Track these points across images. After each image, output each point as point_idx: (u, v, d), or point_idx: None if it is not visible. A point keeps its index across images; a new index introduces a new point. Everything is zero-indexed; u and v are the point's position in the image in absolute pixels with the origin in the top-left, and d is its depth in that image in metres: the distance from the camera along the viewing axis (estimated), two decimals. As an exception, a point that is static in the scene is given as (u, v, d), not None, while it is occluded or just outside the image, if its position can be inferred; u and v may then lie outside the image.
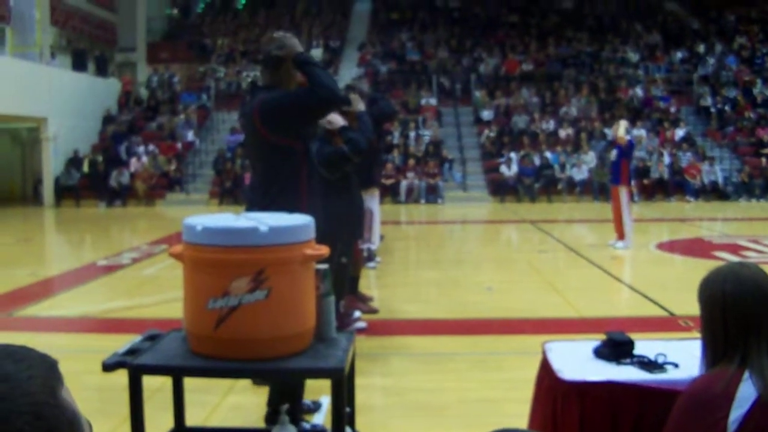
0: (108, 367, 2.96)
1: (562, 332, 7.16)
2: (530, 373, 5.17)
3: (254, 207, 4.29)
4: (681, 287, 9.73)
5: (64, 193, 24.98)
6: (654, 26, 32.66)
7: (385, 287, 9.82)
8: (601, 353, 3.37)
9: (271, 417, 4.36)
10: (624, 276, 10.91)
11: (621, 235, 12.96)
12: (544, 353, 3.46)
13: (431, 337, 7.42)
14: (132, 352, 3.03)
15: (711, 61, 29.82)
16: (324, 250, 3.00)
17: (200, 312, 2.88)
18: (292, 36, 4.59)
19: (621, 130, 13.01)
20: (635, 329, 6.47)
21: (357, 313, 7.50)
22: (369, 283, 9.81)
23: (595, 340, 3.53)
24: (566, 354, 3.40)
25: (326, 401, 5.12)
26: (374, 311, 8.02)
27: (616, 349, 3.34)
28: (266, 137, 4.38)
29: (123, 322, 8.18)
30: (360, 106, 6.63)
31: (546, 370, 3.36)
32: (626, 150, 12.92)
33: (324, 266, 3.18)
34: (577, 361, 3.31)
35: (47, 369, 1.06)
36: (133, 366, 2.92)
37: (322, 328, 3.12)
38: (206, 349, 2.93)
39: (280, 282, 2.86)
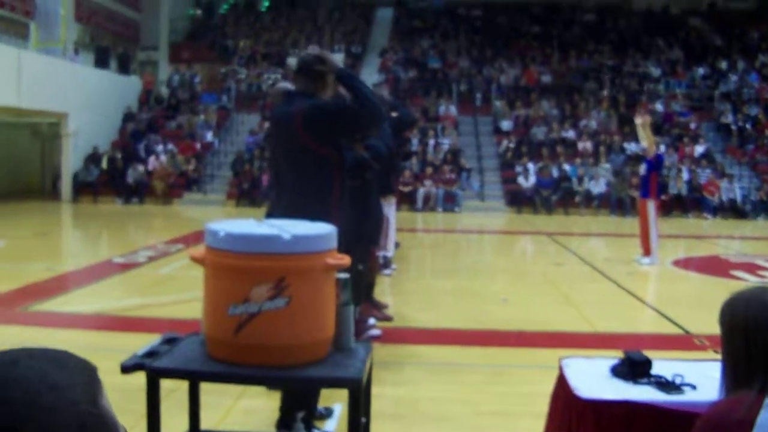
0: (126, 369, 2.97)
1: (577, 347, 7.13)
2: (545, 387, 5.15)
3: (279, 211, 4.32)
4: (697, 305, 9.70)
5: (82, 188, 25.08)
6: (676, 42, 32.55)
7: (399, 295, 9.81)
8: (618, 372, 3.35)
9: (283, 422, 4.36)
10: (640, 292, 10.85)
11: (647, 251, 12.86)
12: (560, 369, 3.45)
13: (445, 347, 7.40)
14: (150, 354, 3.04)
15: (733, 78, 29.69)
16: (346, 259, 3.00)
17: (220, 317, 2.89)
18: (329, 52, 4.64)
19: (641, 133, 13.07)
20: (650, 346, 6.46)
21: (372, 321, 7.50)
22: (384, 290, 9.81)
23: (611, 358, 3.52)
24: (583, 371, 3.39)
25: (338, 408, 5.13)
26: (389, 318, 8.02)
27: (634, 368, 3.32)
28: (307, 143, 4.38)
29: (138, 320, 8.21)
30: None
31: (562, 386, 3.35)
32: (656, 163, 12.87)
33: (345, 275, 3.18)
34: (594, 379, 3.29)
35: (89, 376, 1.05)
36: (152, 369, 2.92)
37: (341, 337, 3.12)
38: (225, 354, 2.93)
39: (301, 290, 2.86)
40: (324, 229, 3.05)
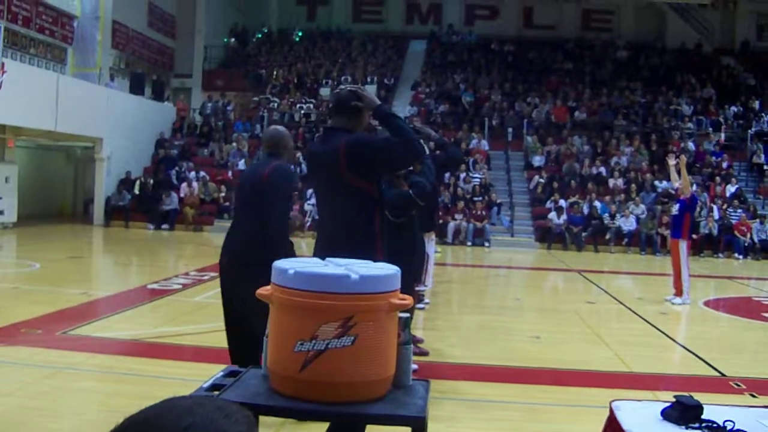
0: (195, 401, 3.02)
1: (612, 387, 7.12)
2: (583, 427, 5.18)
3: (323, 248, 4.38)
4: (731, 347, 9.68)
5: (114, 213, 25.31)
6: (708, 80, 32.50)
7: (432, 330, 9.82)
8: (669, 416, 3.37)
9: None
10: (672, 332, 10.82)
11: (679, 291, 12.82)
12: (611, 411, 3.48)
13: (481, 383, 7.41)
14: (215, 387, 3.10)
15: (766, 117, 29.53)
16: (409, 300, 3.06)
17: (287, 353, 2.95)
18: (365, 88, 4.71)
19: (674, 174, 13.19)
20: (686, 388, 6.44)
21: (409, 355, 7.51)
22: (416, 324, 9.82)
23: (661, 401, 3.55)
24: (635, 414, 3.41)
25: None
26: (425, 353, 8.06)
27: (685, 412, 3.34)
28: (348, 179, 4.41)
29: (172, 348, 8.27)
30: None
31: (614, 428, 3.38)
32: (690, 204, 12.87)
33: (405, 315, 3.24)
34: (646, 423, 3.31)
35: (249, 423, 1.12)
36: (219, 402, 2.98)
37: (400, 375, 3.19)
38: (289, 389, 2.99)
39: (367, 329, 2.92)
40: (389, 269, 3.12)
